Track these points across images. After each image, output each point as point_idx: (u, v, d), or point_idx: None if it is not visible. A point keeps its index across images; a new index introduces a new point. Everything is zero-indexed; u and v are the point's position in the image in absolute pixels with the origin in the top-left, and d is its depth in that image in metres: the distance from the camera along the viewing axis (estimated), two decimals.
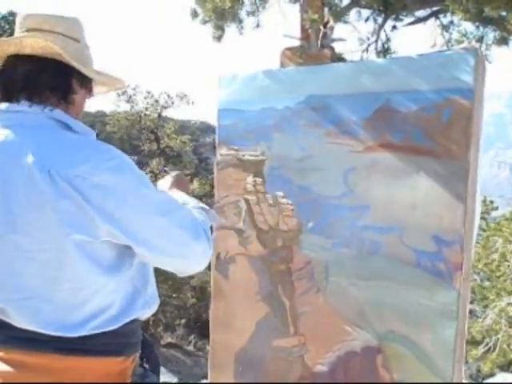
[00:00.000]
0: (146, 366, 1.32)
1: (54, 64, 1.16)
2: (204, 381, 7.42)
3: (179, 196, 1.37)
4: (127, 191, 1.10)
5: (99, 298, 1.14)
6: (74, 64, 1.17)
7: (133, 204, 1.10)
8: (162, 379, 6.90)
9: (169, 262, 1.20)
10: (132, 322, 1.21)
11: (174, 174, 1.53)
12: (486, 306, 9.94)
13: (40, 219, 1.08)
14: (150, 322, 13.02)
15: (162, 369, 7.55)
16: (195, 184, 14.27)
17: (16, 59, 1.17)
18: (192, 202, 1.36)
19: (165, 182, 1.50)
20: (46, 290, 1.12)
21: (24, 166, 1.07)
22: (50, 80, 1.17)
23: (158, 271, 1.34)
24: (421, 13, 5.27)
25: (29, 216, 1.08)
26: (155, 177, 14.73)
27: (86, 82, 1.25)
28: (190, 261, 1.21)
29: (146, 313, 1.26)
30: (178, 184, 1.48)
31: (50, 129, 1.14)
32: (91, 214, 1.07)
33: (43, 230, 1.08)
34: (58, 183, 1.05)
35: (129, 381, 1.22)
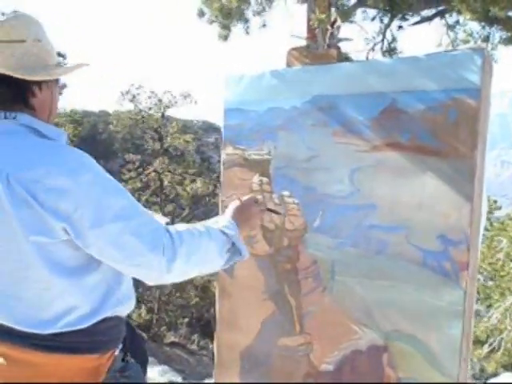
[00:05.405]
0: (132, 359, 1.33)
1: (6, 78, 1.13)
2: (207, 380, 7.43)
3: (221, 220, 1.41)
4: (82, 195, 1.10)
5: (67, 298, 1.17)
6: (25, 77, 1.14)
7: (87, 208, 1.10)
8: (165, 378, 6.92)
9: (122, 269, 1.20)
10: (104, 320, 1.22)
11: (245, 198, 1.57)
12: (489, 306, 9.93)
13: (3, 223, 1.12)
14: (154, 321, 13.03)
15: (166, 367, 7.58)
16: (199, 183, 14.26)
17: None
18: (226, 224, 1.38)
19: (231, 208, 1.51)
20: (17, 288, 1.16)
21: None
22: (6, 93, 1.16)
23: None
24: (426, 12, 5.28)
25: None
26: (159, 176, 14.71)
27: (46, 83, 1.22)
28: (147, 270, 1.17)
29: (118, 311, 1.27)
30: (240, 211, 1.50)
31: (14, 134, 1.15)
32: (45, 217, 1.09)
33: (7, 233, 1.12)
34: (14, 188, 1.08)
35: (103, 376, 1.25)
